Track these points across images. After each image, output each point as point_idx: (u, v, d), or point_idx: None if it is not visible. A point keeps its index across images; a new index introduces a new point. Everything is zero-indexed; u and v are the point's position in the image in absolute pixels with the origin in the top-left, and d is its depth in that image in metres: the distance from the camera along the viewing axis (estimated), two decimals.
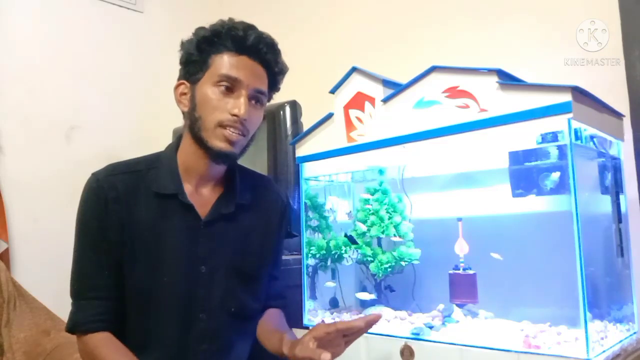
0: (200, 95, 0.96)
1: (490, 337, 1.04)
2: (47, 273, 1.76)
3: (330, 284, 1.42)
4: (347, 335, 0.89)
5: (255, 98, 0.98)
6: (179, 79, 1.01)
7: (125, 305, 0.97)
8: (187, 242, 0.98)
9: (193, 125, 0.97)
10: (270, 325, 1.07)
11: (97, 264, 0.96)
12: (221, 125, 0.95)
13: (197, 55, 0.97)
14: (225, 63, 0.95)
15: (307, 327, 1.29)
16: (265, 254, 1.09)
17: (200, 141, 0.97)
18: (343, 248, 1.37)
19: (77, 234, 0.98)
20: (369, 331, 1.17)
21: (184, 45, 0.99)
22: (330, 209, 1.47)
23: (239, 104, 0.94)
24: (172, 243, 0.97)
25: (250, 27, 0.98)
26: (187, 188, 1.00)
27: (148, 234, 0.97)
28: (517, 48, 1.51)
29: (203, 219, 1.00)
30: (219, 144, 0.95)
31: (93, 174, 0.99)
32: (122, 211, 0.96)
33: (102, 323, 0.94)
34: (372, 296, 1.34)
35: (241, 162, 1.06)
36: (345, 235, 1.36)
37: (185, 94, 0.99)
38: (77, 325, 0.95)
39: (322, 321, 1.30)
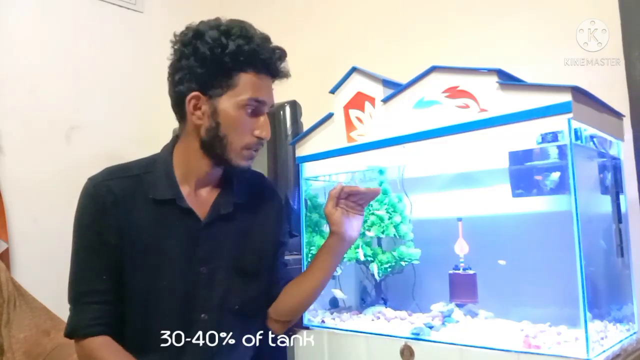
0: (225, 115, 0.94)
1: (490, 337, 1.04)
2: (47, 273, 1.75)
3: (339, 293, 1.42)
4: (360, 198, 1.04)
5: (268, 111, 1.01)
6: (188, 87, 0.94)
7: (125, 308, 0.97)
8: (186, 245, 0.98)
9: (213, 142, 0.96)
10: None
11: (95, 268, 0.96)
12: (247, 147, 0.98)
13: (216, 68, 0.93)
14: (254, 86, 0.95)
15: (307, 327, 1.29)
16: (266, 249, 1.09)
17: (219, 158, 0.98)
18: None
19: (74, 239, 0.98)
20: (369, 331, 1.18)
21: (197, 50, 0.93)
22: None
23: (263, 126, 0.98)
24: (171, 247, 0.97)
25: (268, 44, 0.97)
26: (185, 190, 1.00)
27: (147, 239, 0.96)
28: (517, 48, 1.51)
29: (203, 221, 0.99)
30: (242, 163, 0.99)
31: (89, 179, 0.99)
32: (120, 216, 0.96)
33: (101, 327, 0.94)
34: (344, 296, 1.38)
35: None
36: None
37: (198, 106, 0.95)
38: (76, 330, 0.94)
39: (322, 321, 1.31)
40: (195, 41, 0.94)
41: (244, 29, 0.95)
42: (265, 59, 0.95)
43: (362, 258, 1.36)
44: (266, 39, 0.97)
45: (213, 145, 0.96)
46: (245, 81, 0.94)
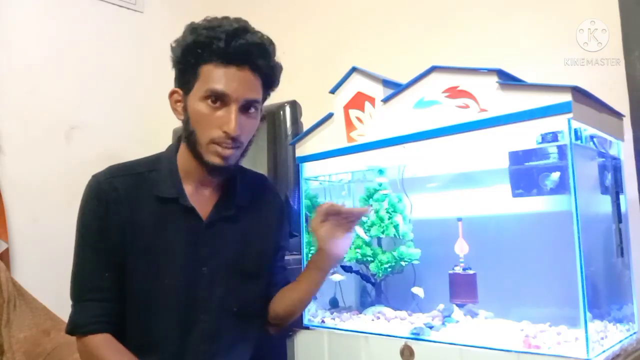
0: (192, 108, 0.94)
1: (490, 337, 1.04)
2: (47, 273, 1.76)
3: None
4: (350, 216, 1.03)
5: (248, 107, 0.95)
6: (174, 85, 0.99)
7: (126, 306, 0.97)
8: (188, 244, 0.98)
9: (188, 137, 0.96)
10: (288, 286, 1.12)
11: (98, 265, 0.96)
12: (213, 142, 0.93)
13: (185, 64, 0.94)
14: (212, 76, 0.92)
15: (307, 327, 1.29)
16: (266, 252, 1.09)
17: (195, 153, 0.97)
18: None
19: (77, 236, 0.98)
20: (369, 331, 1.18)
21: (173, 49, 0.96)
22: None
23: (228, 120, 0.92)
24: (173, 246, 0.97)
25: (235, 33, 0.92)
26: (188, 190, 1.00)
27: (149, 237, 0.96)
28: (517, 48, 1.51)
29: (204, 221, 0.99)
30: (212, 159, 0.94)
31: (93, 176, 0.99)
32: (124, 213, 0.96)
33: (102, 324, 0.94)
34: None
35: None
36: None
37: (179, 101, 0.98)
38: (77, 327, 0.94)
39: (322, 321, 1.31)
40: (176, 42, 0.97)
41: (212, 21, 0.93)
42: (223, 48, 0.91)
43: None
44: (234, 28, 0.92)
45: (189, 141, 0.97)
46: (206, 73, 0.92)
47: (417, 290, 1.28)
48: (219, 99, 0.92)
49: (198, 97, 0.93)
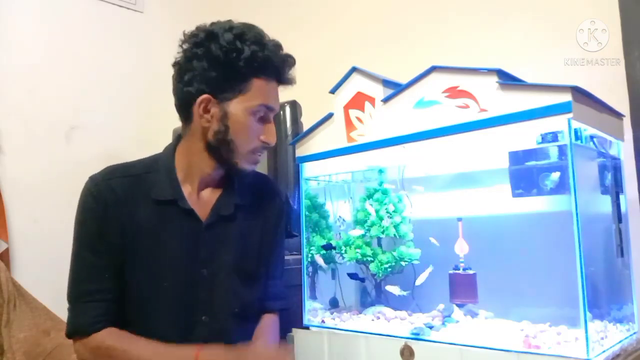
0: (235, 120, 0.95)
1: (490, 337, 1.04)
2: (47, 273, 1.75)
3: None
4: None
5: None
6: (198, 89, 0.94)
7: (126, 309, 0.97)
8: (188, 246, 0.98)
9: (220, 146, 0.97)
10: None
11: (97, 266, 0.95)
12: (253, 151, 0.99)
13: (230, 73, 0.93)
14: (265, 92, 0.96)
15: (307, 327, 1.29)
16: (265, 253, 1.09)
17: (224, 161, 0.98)
18: (343, 248, 1.37)
19: (76, 238, 0.97)
20: (369, 331, 1.18)
21: (210, 52, 0.92)
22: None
23: (270, 131, 0.99)
24: (172, 248, 0.97)
25: (280, 49, 0.98)
26: (186, 191, 1.00)
27: (148, 239, 0.96)
28: (517, 48, 1.51)
29: (204, 222, 0.99)
30: (247, 167, 1.00)
31: (90, 178, 0.99)
32: (122, 215, 0.96)
33: (104, 323, 0.94)
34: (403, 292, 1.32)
35: None
36: (323, 247, 1.36)
37: (207, 108, 0.95)
38: (80, 328, 0.94)
39: (322, 321, 1.31)
40: (208, 43, 0.93)
41: (258, 34, 0.96)
42: (277, 66, 0.97)
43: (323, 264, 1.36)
44: (278, 46, 0.98)
45: (219, 149, 0.97)
46: (257, 87, 0.95)
47: (391, 289, 1.28)
48: (265, 113, 0.98)
49: (246, 109, 0.95)
